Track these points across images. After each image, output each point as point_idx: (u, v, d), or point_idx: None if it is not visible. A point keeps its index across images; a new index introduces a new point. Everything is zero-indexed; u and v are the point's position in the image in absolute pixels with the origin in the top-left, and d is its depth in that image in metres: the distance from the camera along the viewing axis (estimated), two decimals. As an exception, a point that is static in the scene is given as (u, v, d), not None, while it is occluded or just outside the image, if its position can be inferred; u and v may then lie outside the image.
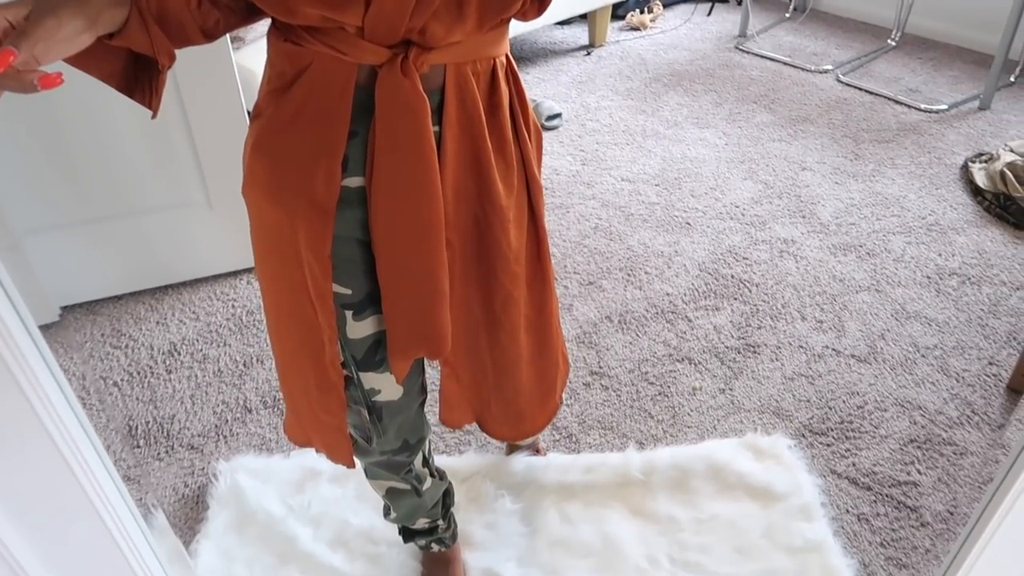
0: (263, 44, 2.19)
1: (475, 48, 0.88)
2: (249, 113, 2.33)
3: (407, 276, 0.93)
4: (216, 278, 2.31)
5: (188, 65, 1.96)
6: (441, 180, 0.90)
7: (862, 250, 2.36)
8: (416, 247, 0.92)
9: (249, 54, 2.73)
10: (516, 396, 1.15)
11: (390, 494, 1.27)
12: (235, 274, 2.32)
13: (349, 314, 1.00)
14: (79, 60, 0.79)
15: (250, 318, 2.16)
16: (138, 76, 0.85)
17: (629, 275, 2.27)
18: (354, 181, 0.91)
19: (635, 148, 2.93)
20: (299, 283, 0.97)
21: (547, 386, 1.20)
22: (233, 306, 2.21)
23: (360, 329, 1.00)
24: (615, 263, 2.32)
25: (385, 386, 1.06)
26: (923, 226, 2.46)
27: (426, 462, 1.27)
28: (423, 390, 1.16)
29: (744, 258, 2.33)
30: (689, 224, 2.49)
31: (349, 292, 0.98)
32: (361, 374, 1.04)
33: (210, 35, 0.88)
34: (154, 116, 0.86)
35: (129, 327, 2.13)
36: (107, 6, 0.76)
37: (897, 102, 3.21)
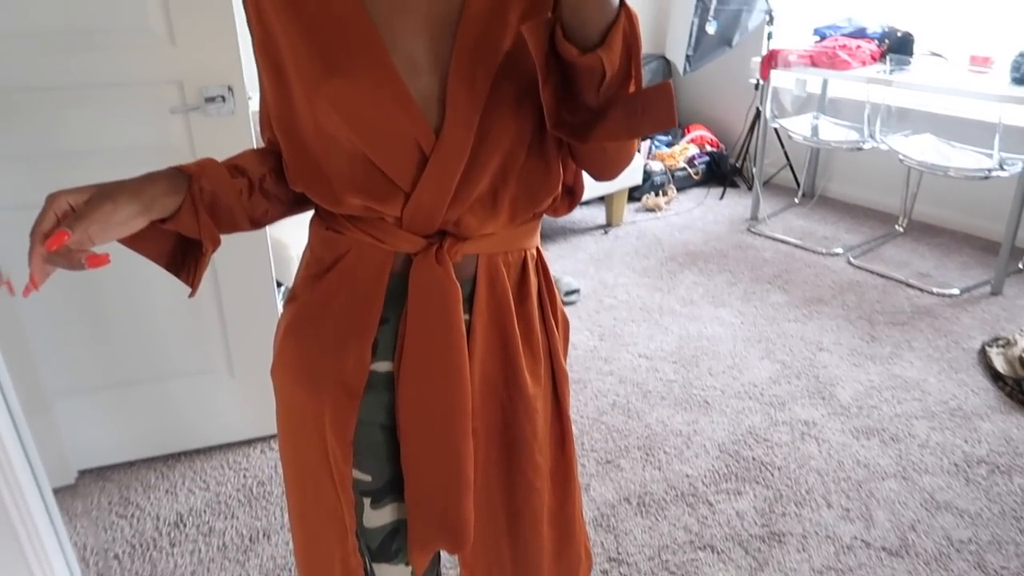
0: (297, 218, 2.30)
1: (507, 240, 0.92)
2: (278, 284, 2.41)
3: (431, 464, 0.92)
4: (230, 446, 2.30)
5: (224, 244, 2.06)
6: (469, 368, 0.91)
7: (885, 434, 2.31)
8: (442, 434, 0.91)
9: (282, 227, 2.87)
10: None
11: None
12: (249, 443, 2.31)
13: (367, 501, 0.97)
14: (131, 241, 0.84)
15: (260, 489, 2.12)
16: (185, 256, 0.90)
17: (648, 454, 2.23)
18: (382, 366, 0.93)
19: (652, 325, 2.97)
20: (323, 467, 0.96)
21: None
22: (244, 476, 2.17)
23: (377, 518, 0.98)
24: (633, 441, 2.29)
25: None
26: (946, 411, 2.42)
27: None
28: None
29: (765, 439, 2.29)
30: (707, 403, 2.47)
31: (369, 479, 0.96)
32: (375, 565, 1.00)
33: (257, 223, 0.93)
34: (192, 295, 0.90)
35: (137, 495, 2.09)
36: (162, 194, 0.82)
37: (909, 285, 3.27)
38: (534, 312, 0.97)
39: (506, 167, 0.86)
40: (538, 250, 0.99)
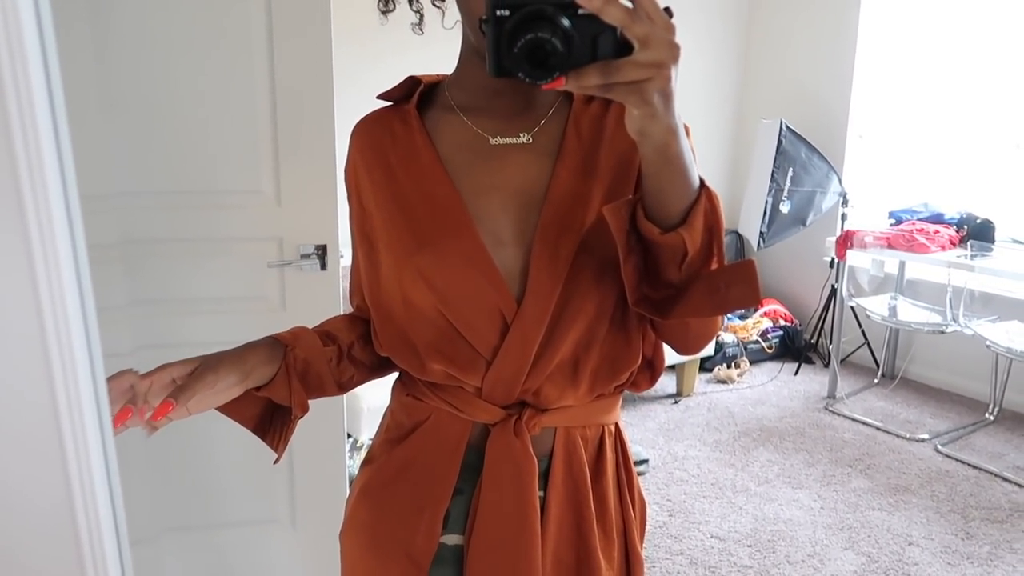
0: None
1: (587, 414, 0.91)
2: (348, 435, 2.42)
3: None
4: (282, 602, 2.23)
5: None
6: (542, 547, 0.88)
7: (990, 648, 2.08)
8: None
9: (356, 380, 2.92)
10: None
11: None
12: (302, 600, 2.23)
13: None
14: (224, 406, 0.88)
15: (308, 653, 2.02)
16: (272, 421, 0.93)
17: (721, 649, 2.06)
18: (452, 539, 0.90)
19: (725, 503, 2.83)
20: None
21: None
22: (293, 636, 2.08)
23: None
24: (705, 633, 2.12)
25: None
26: (1059, 626, 2.18)
27: None
28: None
29: (852, 643, 2.09)
30: (786, 595, 2.30)
31: None
32: None
33: (344, 388, 0.96)
34: (277, 460, 0.92)
35: (184, 648, 2.02)
36: (260, 364, 0.87)
37: (1005, 479, 3.05)
38: (609, 490, 0.93)
39: (587, 338, 0.86)
40: (617, 426, 0.97)
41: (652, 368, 0.96)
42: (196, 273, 1.96)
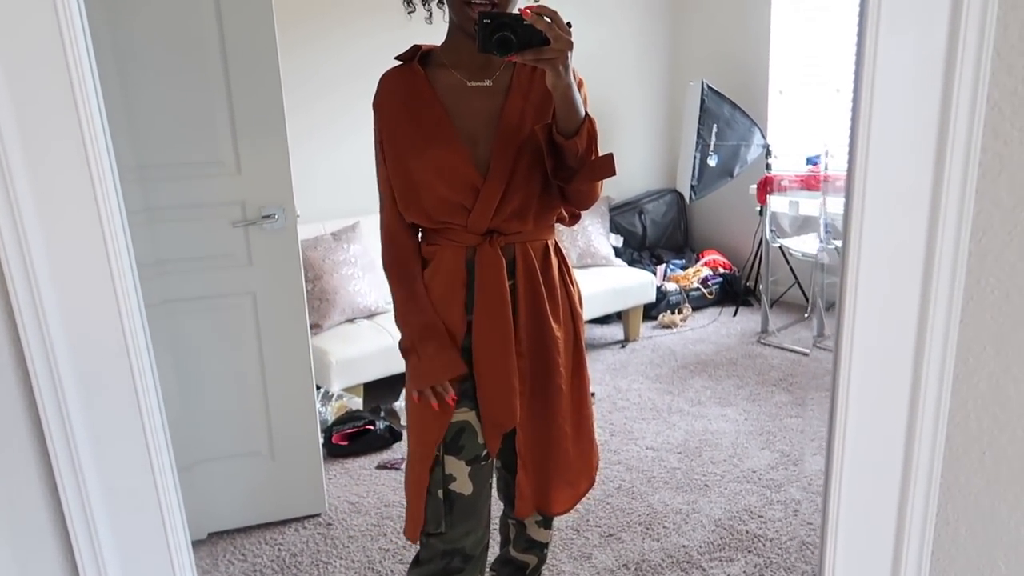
0: (337, 331, 2.85)
1: (532, 235, 1.48)
2: (319, 387, 2.73)
3: (492, 375, 1.45)
4: (267, 525, 2.54)
5: (273, 343, 2.40)
6: (519, 314, 1.46)
7: (876, 512, 2.44)
8: (497, 355, 1.45)
9: (325, 338, 3.23)
10: (567, 468, 1.55)
11: None
12: (284, 523, 2.54)
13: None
14: None
15: (292, 560, 2.34)
16: None
17: (648, 529, 2.40)
18: (469, 317, 1.47)
19: (660, 422, 3.18)
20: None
21: (586, 461, 1.60)
22: (279, 551, 2.40)
23: (454, 416, 1.47)
24: (635, 518, 2.46)
25: (460, 476, 1.48)
26: (937, 492, 2.55)
27: None
28: (488, 508, 1.54)
29: (759, 516, 2.45)
30: (707, 486, 2.65)
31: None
32: (446, 457, 1.47)
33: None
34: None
35: (184, 564, 2.32)
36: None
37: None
38: (555, 278, 1.52)
39: (527, 198, 1.43)
40: (556, 241, 1.54)
41: (574, 217, 1.56)
42: (172, 235, 2.25)
